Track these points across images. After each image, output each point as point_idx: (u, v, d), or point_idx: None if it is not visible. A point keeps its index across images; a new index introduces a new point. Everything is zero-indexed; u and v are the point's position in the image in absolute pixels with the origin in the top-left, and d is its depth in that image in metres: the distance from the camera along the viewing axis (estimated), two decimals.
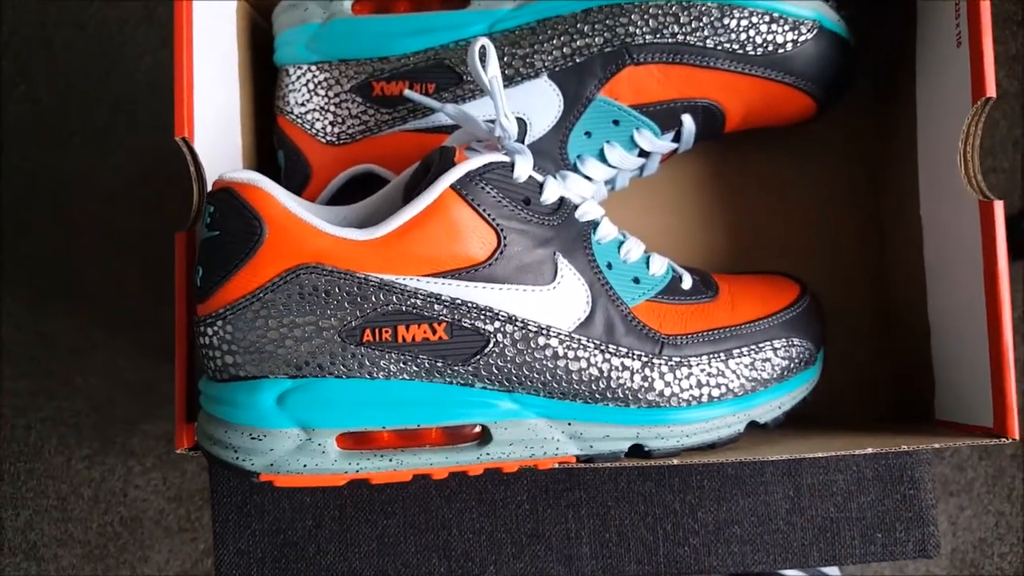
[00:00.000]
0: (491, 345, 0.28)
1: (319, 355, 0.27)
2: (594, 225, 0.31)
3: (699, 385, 0.30)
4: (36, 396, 0.43)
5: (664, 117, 0.35)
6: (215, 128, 0.35)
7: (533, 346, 0.29)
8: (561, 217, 0.30)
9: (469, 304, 0.28)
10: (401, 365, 0.28)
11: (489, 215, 0.28)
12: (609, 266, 0.31)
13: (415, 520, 0.43)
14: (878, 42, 0.38)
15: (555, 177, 0.33)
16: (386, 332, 0.28)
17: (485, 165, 0.28)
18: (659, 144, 0.35)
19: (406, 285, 0.27)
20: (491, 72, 0.29)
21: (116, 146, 0.45)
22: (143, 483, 0.43)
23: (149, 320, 0.44)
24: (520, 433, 0.29)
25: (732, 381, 0.30)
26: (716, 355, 0.30)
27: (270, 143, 0.39)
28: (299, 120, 0.36)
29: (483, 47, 0.28)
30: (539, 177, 0.30)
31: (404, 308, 0.28)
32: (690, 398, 0.30)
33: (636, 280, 0.31)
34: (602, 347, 0.29)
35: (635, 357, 0.29)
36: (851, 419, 0.40)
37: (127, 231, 0.44)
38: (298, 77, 0.36)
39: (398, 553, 0.43)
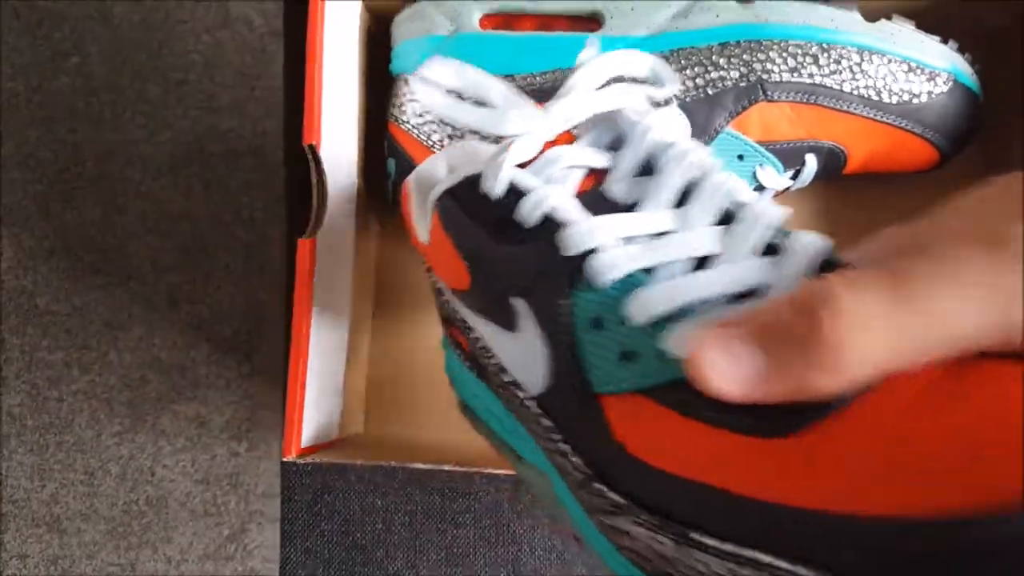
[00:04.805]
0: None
1: None
2: (589, 257, 0.19)
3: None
4: (70, 368, 0.43)
5: (788, 155, 0.35)
6: (334, 135, 0.35)
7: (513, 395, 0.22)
8: (535, 242, 0.20)
9: (458, 320, 0.25)
10: None
11: (457, 242, 0.22)
12: (597, 324, 0.19)
13: (486, 533, 0.43)
14: (1000, 98, 0.37)
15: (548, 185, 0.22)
16: None
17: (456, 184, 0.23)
18: (779, 181, 0.35)
19: None
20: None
21: (165, 124, 0.44)
22: (171, 463, 0.43)
23: (186, 299, 0.44)
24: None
25: None
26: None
27: (376, 150, 0.39)
28: (415, 130, 0.36)
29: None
30: (523, 186, 0.21)
31: None
32: None
33: (630, 357, 0.18)
34: (554, 436, 0.20)
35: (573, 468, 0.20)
36: None
37: (170, 209, 0.44)
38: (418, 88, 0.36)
39: (467, 565, 0.43)
